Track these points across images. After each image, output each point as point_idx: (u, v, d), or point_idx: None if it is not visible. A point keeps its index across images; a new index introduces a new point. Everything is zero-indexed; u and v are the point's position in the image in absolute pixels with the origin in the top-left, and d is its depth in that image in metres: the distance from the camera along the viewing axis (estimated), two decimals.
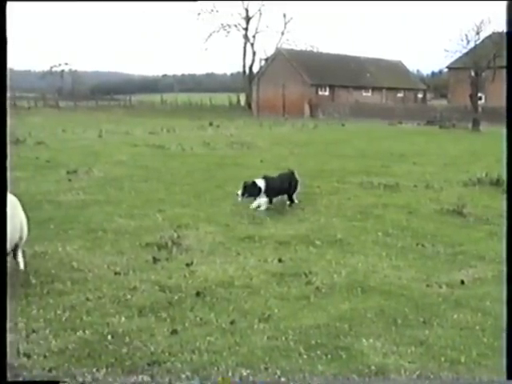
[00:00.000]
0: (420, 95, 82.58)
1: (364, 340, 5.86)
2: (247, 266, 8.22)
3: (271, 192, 11.96)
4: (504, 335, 4.79)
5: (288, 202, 12.38)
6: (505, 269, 4.61)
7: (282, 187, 12.23)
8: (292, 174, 12.55)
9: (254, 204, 11.78)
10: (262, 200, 11.83)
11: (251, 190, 11.79)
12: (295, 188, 12.46)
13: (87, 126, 40.16)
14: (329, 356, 5.55)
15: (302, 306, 6.80)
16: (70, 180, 15.78)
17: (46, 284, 7.43)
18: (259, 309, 6.65)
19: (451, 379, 5.29)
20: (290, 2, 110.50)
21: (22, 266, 8.13)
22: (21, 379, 5.14)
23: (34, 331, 6.01)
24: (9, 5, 4.66)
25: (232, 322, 6.25)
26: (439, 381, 5.27)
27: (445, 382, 5.27)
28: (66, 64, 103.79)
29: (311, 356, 5.54)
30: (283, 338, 5.89)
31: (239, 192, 11.83)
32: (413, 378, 5.21)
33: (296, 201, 12.44)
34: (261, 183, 11.83)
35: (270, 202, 11.97)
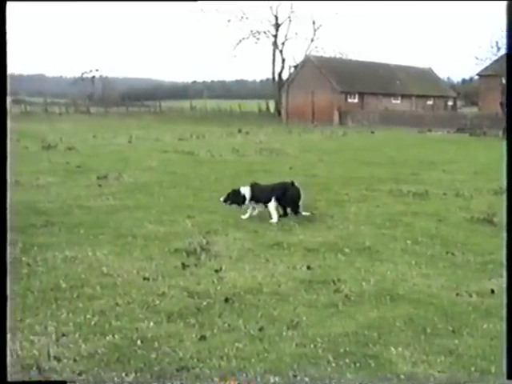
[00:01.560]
0: (450, 103, 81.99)
1: (393, 348, 5.83)
2: (276, 272, 8.21)
3: (258, 199, 11.81)
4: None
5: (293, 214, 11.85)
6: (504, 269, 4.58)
7: (272, 196, 11.71)
8: (291, 184, 11.94)
9: (247, 213, 11.82)
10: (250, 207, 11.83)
11: (234, 198, 11.79)
12: (294, 199, 11.82)
13: (117, 131, 40.48)
14: (357, 364, 5.52)
15: (330, 313, 6.78)
16: (100, 185, 15.92)
17: (76, 288, 7.49)
18: (288, 316, 6.64)
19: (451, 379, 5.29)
20: (320, 9, 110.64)
21: None
22: (20, 379, 5.18)
23: (63, 335, 6.05)
24: (9, 5, 4.70)
25: (260, 329, 6.24)
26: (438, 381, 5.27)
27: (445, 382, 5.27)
28: (97, 70, 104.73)
29: (340, 364, 5.52)
30: (312, 346, 5.87)
31: (221, 198, 11.94)
32: None
33: (302, 213, 11.80)
34: (245, 191, 11.75)
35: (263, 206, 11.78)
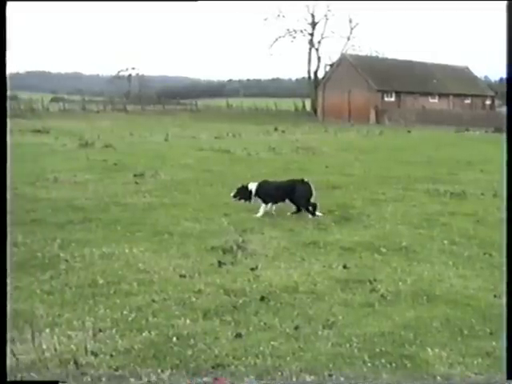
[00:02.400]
0: (488, 102, 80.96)
1: (429, 349, 5.78)
2: (312, 271, 8.20)
3: (265, 196, 12.00)
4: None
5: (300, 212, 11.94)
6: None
7: (279, 193, 11.95)
8: (301, 182, 12.00)
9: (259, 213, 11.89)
10: (262, 205, 12.01)
11: (243, 193, 12.14)
12: (304, 196, 11.83)
13: (154, 129, 40.72)
14: (393, 364, 5.50)
15: (366, 313, 6.75)
16: (136, 183, 16.04)
17: (113, 284, 7.56)
18: (323, 315, 6.63)
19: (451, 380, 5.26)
20: (357, 7, 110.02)
21: None
22: (20, 379, 5.22)
23: (100, 330, 6.11)
24: (9, 5, 4.74)
25: (296, 328, 6.24)
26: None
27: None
28: (134, 68, 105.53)
29: (375, 364, 5.49)
30: (347, 345, 5.85)
31: (231, 194, 12.33)
32: None
33: (319, 213, 11.83)
34: (252, 187, 12.05)
35: (275, 203, 12.02)
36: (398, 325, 6.38)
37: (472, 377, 5.35)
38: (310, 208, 11.82)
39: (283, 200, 12.02)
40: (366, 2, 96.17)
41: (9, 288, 7.31)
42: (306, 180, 12.07)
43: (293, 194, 11.92)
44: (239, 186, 12.33)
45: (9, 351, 5.48)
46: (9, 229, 10.25)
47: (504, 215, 5.41)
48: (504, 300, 5.26)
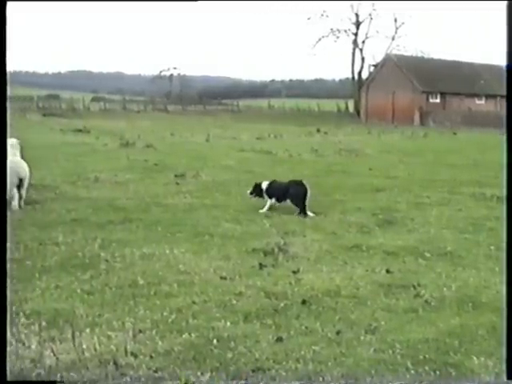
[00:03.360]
0: None
1: (475, 358, 5.63)
2: (354, 275, 8.08)
3: (272, 194, 12.71)
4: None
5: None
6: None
7: (287, 192, 12.57)
8: (298, 182, 12.68)
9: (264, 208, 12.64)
10: (268, 201, 12.73)
11: (257, 191, 12.97)
12: (298, 196, 12.39)
13: (195, 130, 40.91)
14: (437, 372, 5.37)
15: (409, 318, 6.62)
16: (177, 183, 16.08)
17: (153, 285, 7.55)
18: (366, 320, 6.53)
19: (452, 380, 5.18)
20: (403, 7, 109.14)
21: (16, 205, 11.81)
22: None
23: (140, 331, 6.09)
24: (9, 5, 4.70)
25: (338, 332, 6.14)
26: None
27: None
28: (175, 68, 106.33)
29: (419, 371, 5.38)
30: (390, 351, 5.74)
31: (248, 191, 13.13)
32: None
33: (310, 213, 12.18)
34: (264, 185, 12.91)
35: (277, 202, 12.68)
36: (443, 332, 6.24)
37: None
38: (310, 213, 12.23)
39: (285, 199, 12.65)
40: (412, 2, 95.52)
41: (49, 287, 7.40)
42: (303, 181, 12.66)
43: (289, 193, 12.57)
44: (254, 184, 13.13)
45: (49, 351, 5.50)
46: (50, 228, 10.38)
47: None
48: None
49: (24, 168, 12.36)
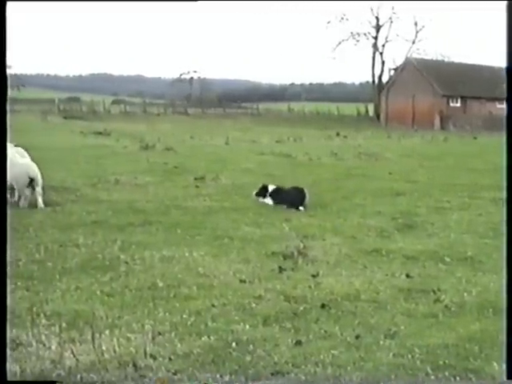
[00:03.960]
0: None
1: (495, 364, 5.58)
2: (374, 279, 8.05)
3: (275, 197, 13.83)
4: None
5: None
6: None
7: (288, 196, 13.77)
8: (301, 190, 13.91)
9: (264, 200, 13.97)
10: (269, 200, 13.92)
11: (262, 192, 14.09)
12: (301, 200, 13.55)
13: (215, 133, 40.96)
14: (457, 378, 5.34)
15: (429, 324, 6.59)
16: (197, 186, 16.11)
17: (173, 288, 7.56)
18: (385, 324, 6.50)
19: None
20: (423, 10, 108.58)
21: (40, 204, 12.42)
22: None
23: (160, 334, 6.10)
24: (9, 5, 4.72)
25: (357, 337, 6.13)
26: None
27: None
28: (195, 72, 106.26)
29: (439, 377, 5.35)
30: (409, 356, 5.71)
31: (254, 193, 14.20)
32: None
33: (301, 208, 13.42)
34: (270, 188, 14.12)
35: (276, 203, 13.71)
36: (463, 337, 6.20)
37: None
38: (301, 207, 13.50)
39: (285, 202, 13.64)
40: (433, 4, 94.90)
41: (70, 288, 7.44)
42: (304, 189, 13.90)
43: (291, 197, 13.70)
44: (260, 185, 14.31)
45: (69, 352, 5.53)
46: (70, 230, 10.43)
47: None
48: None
49: (33, 168, 12.72)
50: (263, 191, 14.13)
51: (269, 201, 13.94)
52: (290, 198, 13.73)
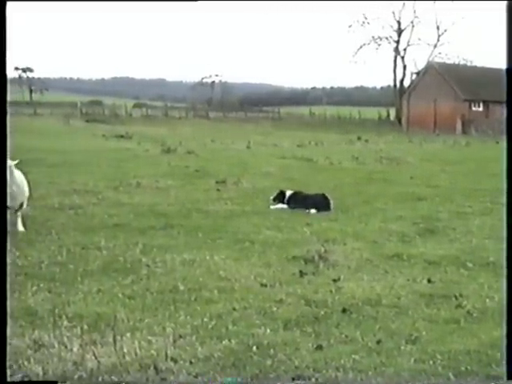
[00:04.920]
0: None
1: None
2: (395, 284, 8.01)
3: (291, 202, 13.82)
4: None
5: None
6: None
7: (306, 201, 13.79)
8: (322, 195, 14.01)
9: (277, 206, 13.90)
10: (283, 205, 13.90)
11: (279, 197, 14.02)
12: (324, 205, 13.61)
13: (236, 136, 41.00)
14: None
15: (451, 329, 6.55)
16: (218, 190, 16.14)
17: (194, 291, 7.57)
18: (406, 330, 6.47)
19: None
20: (445, 13, 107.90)
21: (20, 227, 10.50)
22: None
23: (181, 337, 6.11)
24: (9, 5, 4.73)
25: (378, 342, 6.10)
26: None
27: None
28: (217, 75, 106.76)
29: (461, 383, 5.31)
30: (431, 362, 5.68)
31: (271, 197, 14.12)
32: None
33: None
34: (288, 193, 14.06)
35: (291, 207, 13.72)
36: (485, 343, 6.15)
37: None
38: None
39: (309, 206, 13.61)
40: (456, 7, 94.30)
41: (91, 291, 7.48)
42: (326, 194, 14.00)
43: (314, 202, 13.71)
44: (278, 191, 14.25)
45: (90, 354, 5.55)
46: (92, 233, 10.50)
47: None
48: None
49: (27, 189, 10.87)
50: (281, 197, 14.06)
51: (284, 206, 13.86)
52: (312, 203, 13.67)
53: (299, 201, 13.90)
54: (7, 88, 4.88)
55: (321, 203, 13.70)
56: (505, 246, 4.83)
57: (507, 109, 5.00)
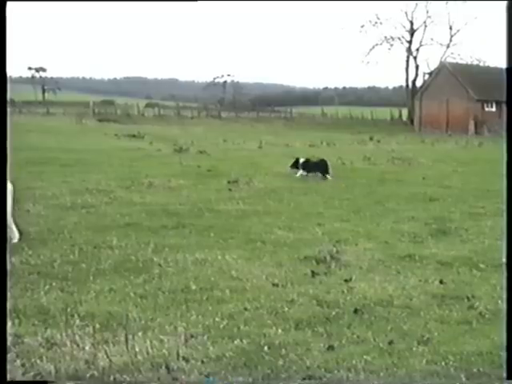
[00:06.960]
0: None
1: None
2: (407, 285, 7.99)
3: (306, 167, 19.17)
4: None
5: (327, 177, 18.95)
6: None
7: (315, 166, 19.34)
8: (323, 160, 19.76)
9: (298, 173, 19.19)
10: (301, 171, 19.22)
11: (295, 164, 19.42)
12: (326, 169, 19.22)
13: (248, 136, 40.98)
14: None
15: (463, 330, 6.53)
16: (230, 190, 16.12)
17: (206, 291, 7.58)
18: (418, 331, 6.46)
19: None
20: (458, 13, 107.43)
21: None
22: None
23: (192, 336, 6.12)
24: (9, 5, 4.74)
25: (390, 343, 6.08)
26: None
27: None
28: (229, 75, 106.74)
29: None
30: (443, 363, 5.67)
31: (288, 166, 19.59)
32: None
33: (329, 177, 18.99)
34: (301, 160, 19.40)
35: (307, 172, 19.11)
36: (497, 345, 6.10)
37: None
38: (327, 175, 19.12)
39: (315, 171, 19.13)
40: (468, 7, 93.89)
41: (103, 290, 7.50)
42: (325, 159, 19.90)
43: (319, 167, 19.29)
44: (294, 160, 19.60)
45: (102, 352, 5.57)
46: (104, 232, 10.50)
47: None
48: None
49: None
50: (295, 163, 19.31)
51: (302, 172, 18.97)
52: (317, 167, 19.14)
53: (309, 166, 19.14)
54: (7, 88, 4.90)
55: (323, 167, 19.12)
56: (505, 246, 4.81)
57: (507, 109, 4.98)
